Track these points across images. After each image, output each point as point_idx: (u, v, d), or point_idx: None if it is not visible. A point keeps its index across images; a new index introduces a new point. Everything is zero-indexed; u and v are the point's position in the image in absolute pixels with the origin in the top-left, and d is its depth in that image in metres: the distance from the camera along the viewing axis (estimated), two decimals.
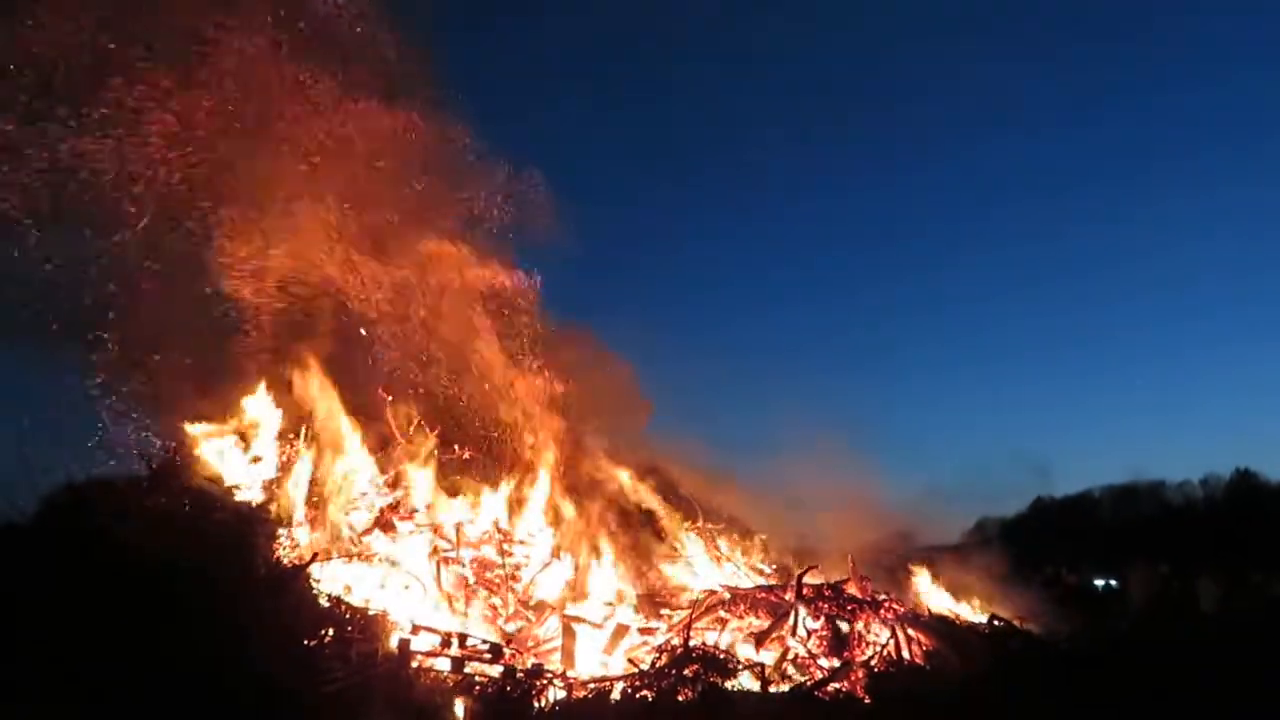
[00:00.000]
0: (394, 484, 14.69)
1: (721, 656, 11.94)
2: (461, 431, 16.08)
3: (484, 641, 11.83)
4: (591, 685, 11.28)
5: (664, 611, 14.17)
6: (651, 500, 17.75)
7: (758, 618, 13.41)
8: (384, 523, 13.93)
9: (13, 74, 12.18)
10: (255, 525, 11.88)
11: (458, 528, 14.10)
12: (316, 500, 13.59)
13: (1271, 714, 10.63)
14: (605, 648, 12.70)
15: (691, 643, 12.44)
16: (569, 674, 11.53)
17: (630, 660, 12.17)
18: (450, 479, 15.39)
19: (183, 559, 9.67)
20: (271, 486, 13.39)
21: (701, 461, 19.88)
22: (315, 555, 12.09)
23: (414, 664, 10.73)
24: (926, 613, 15.57)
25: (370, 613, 11.32)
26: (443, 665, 10.97)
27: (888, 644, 13.10)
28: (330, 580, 12.03)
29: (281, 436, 14.18)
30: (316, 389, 14.35)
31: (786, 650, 12.79)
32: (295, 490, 13.40)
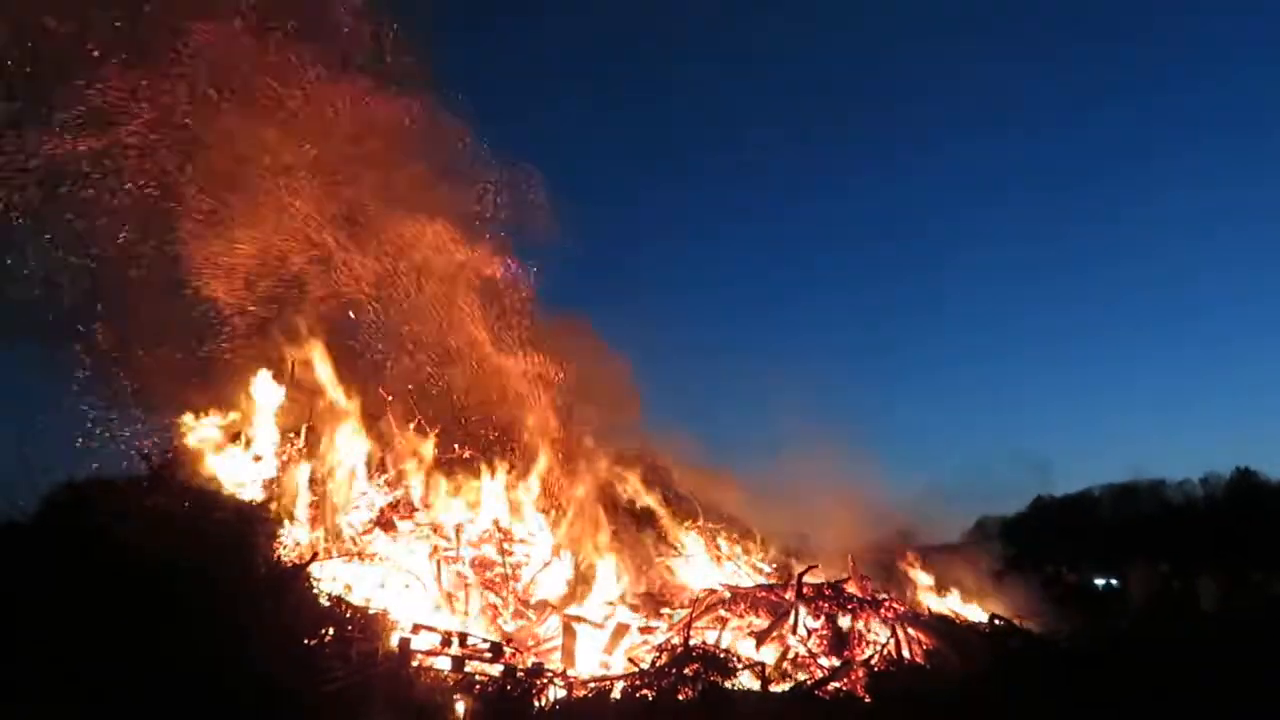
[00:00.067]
0: (394, 483, 14.70)
1: (722, 655, 11.93)
2: (461, 429, 16.07)
3: (484, 640, 11.83)
4: (592, 684, 11.28)
5: (664, 610, 14.16)
6: (651, 499, 17.75)
7: (758, 617, 13.40)
8: (384, 522, 13.93)
9: None
10: (255, 524, 11.87)
11: (457, 529, 14.07)
12: (316, 499, 13.59)
13: (1271, 713, 10.62)
14: (606, 647, 12.69)
15: (692, 642, 12.43)
16: (569, 673, 11.52)
17: (630, 659, 12.17)
18: (451, 476, 15.35)
19: (183, 558, 9.67)
20: (272, 485, 13.39)
21: (700, 460, 19.91)
22: (315, 554, 12.09)
23: (414, 663, 10.73)
24: (926, 612, 15.58)
25: (370, 612, 11.32)
26: (443, 664, 10.97)
27: (888, 643, 13.10)
28: (330, 579, 12.02)
29: (281, 434, 14.19)
30: (316, 358, 14.34)
31: (787, 649, 12.79)
32: (295, 489, 13.40)
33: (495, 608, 13.24)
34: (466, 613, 12.86)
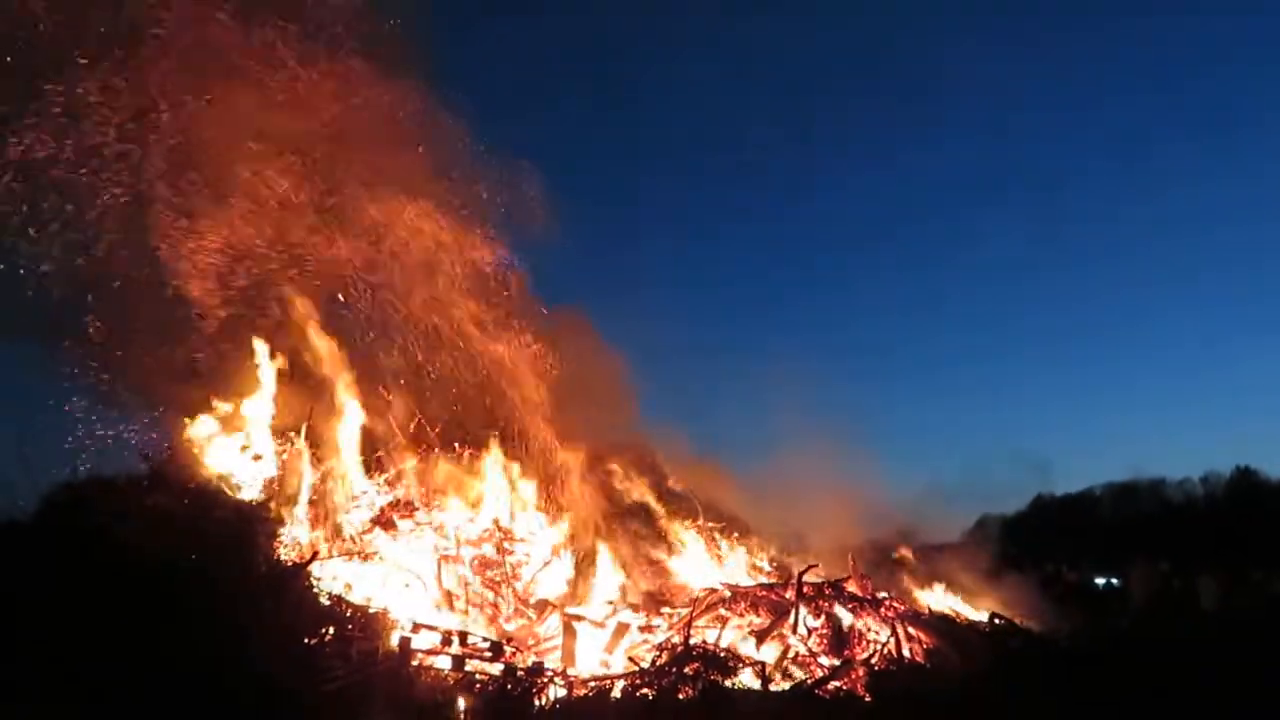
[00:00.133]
0: (394, 482, 14.70)
1: (722, 655, 11.93)
2: (460, 429, 16.05)
3: (484, 639, 11.83)
4: (592, 683, 11.28)
5: (664, 609, 14.16)
6: (650, 497, 17.74)
7: (758, 616, 13.40)
8: (384, 521, 13.93)
9: None
10: (255, 523, 11.87)
11: (457, 531, 14.05)
12: (316, 498, 13.59)
13: (1272, 712, 10.62)
14: (606, 646, 12.69)
15: (692, 641, 12.43)
16: (569, 672, 11.52)
17: (631, 658, 12.17)
18: (451, 474, 15.35)
19: (183, 558, 9.67)
20: (272, 484, 13.39)
21: (699, 458, 19.89)
22: (315, 553, 12.09)
23: (414, 662, 10.73)
24: (927, 611, 15.58)
25: (371, 611, 11.32)
26: (443, 663, 10.97)
27: (888, 642, 13.10)
28: (331, 578, 12.02)
29: (281, 433, 14.19)
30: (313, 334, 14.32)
31: (787, 648, 12.79)
32: (295, 487, 13.40)
33: (496, 607, 13.24)
34: (467, 612, 12.86)
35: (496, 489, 15.32)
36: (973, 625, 15.52)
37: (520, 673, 10.99)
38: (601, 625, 13.07)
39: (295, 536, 12.66)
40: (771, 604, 13.61)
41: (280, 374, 14.27)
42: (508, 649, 11.74)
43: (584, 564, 14.91)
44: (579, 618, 13.04)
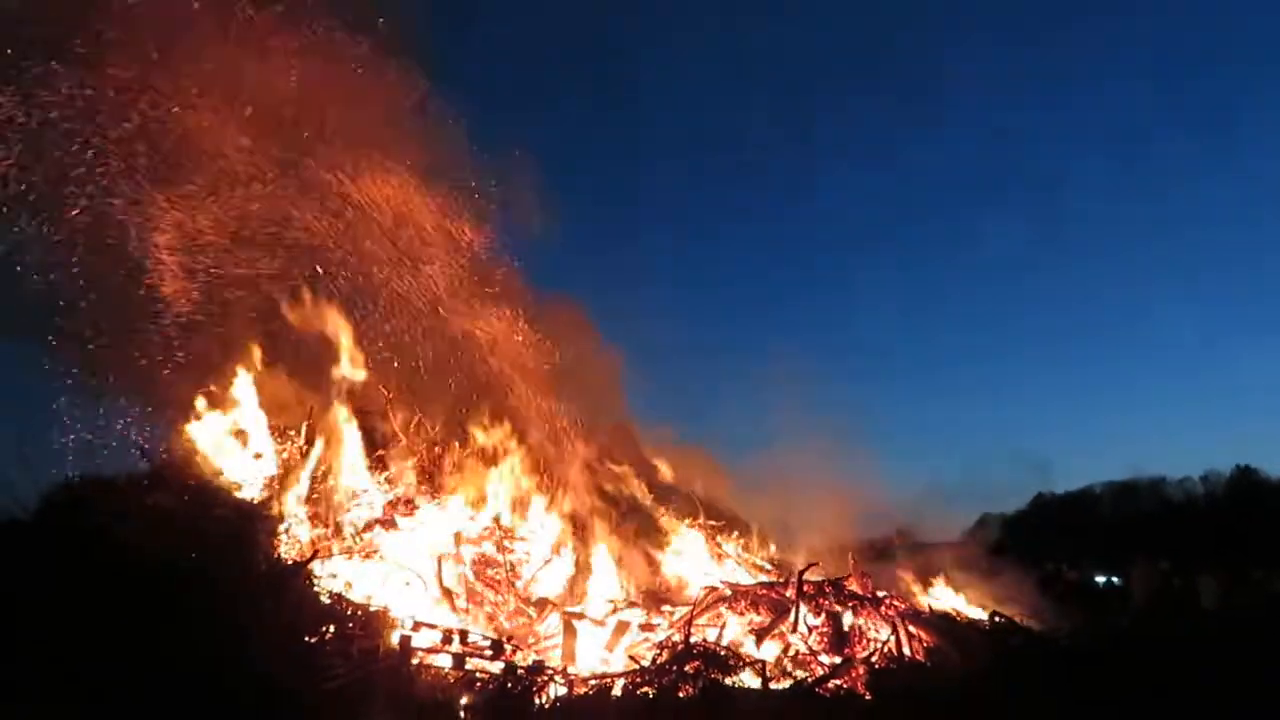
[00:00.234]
0: (395, 480, 14.70)
1: (722, 653, 11.93)
2: (459, 428, 16.05)
3: (485, 638, 11.83)
4: (592, 682, 11.28)
5: (665, 608, 14.16)
6: (650, 495, 17.74)
7: (759, 614, 13.40)
8: (385, 519, 13.93)
9: None
10: (256, 522, 11.87)
11: (456, 536, 14.01)
12: (317, 496, 13.59)
13: (1272, 711, 10.62)
14: (606, 644, 12.70)
15: (692, 639, 12.43)
16: (570, 670, 11.52)
17: (631, 657, 12.17)
18: (450, 472, 15.34)
19: (183, 557, 9.67)
20: (272, 483, 13.39)
21: (685, 448, 19.91)
22: (316, 552, 12.09)
23: (415, 661, 10.73)
24: (927, 609, 15.58)
25: (371, 609, 11.32)
26: (444, 662, 10.97)
27: (888, 640, 13.10)
28: (331, 577, 12.02)
29: (281, 432, 14.19)
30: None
31: (787, 647, 12.79)
32: (296, 485, 13.40)
33: (496, 605, 13.24)
34: (467, 610, 12.86)
35: (497, 486, 15.34)
36: (973, 623, 15.53)
37: (520, 671, 11.00)
38: (602, 623, 13.08)
39: (296, 535, 12.66)
40: (772, 602, 13.61)
41: (276, 369, 14.26)
42: (508, 647, 11.75)
43: (584, 562, 14.90)
44: (579, 616, 13.05)
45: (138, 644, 8.58)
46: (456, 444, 15.79)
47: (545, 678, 10.94)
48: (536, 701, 10.58)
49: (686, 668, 11.23)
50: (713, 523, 17.70)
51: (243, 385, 14.05)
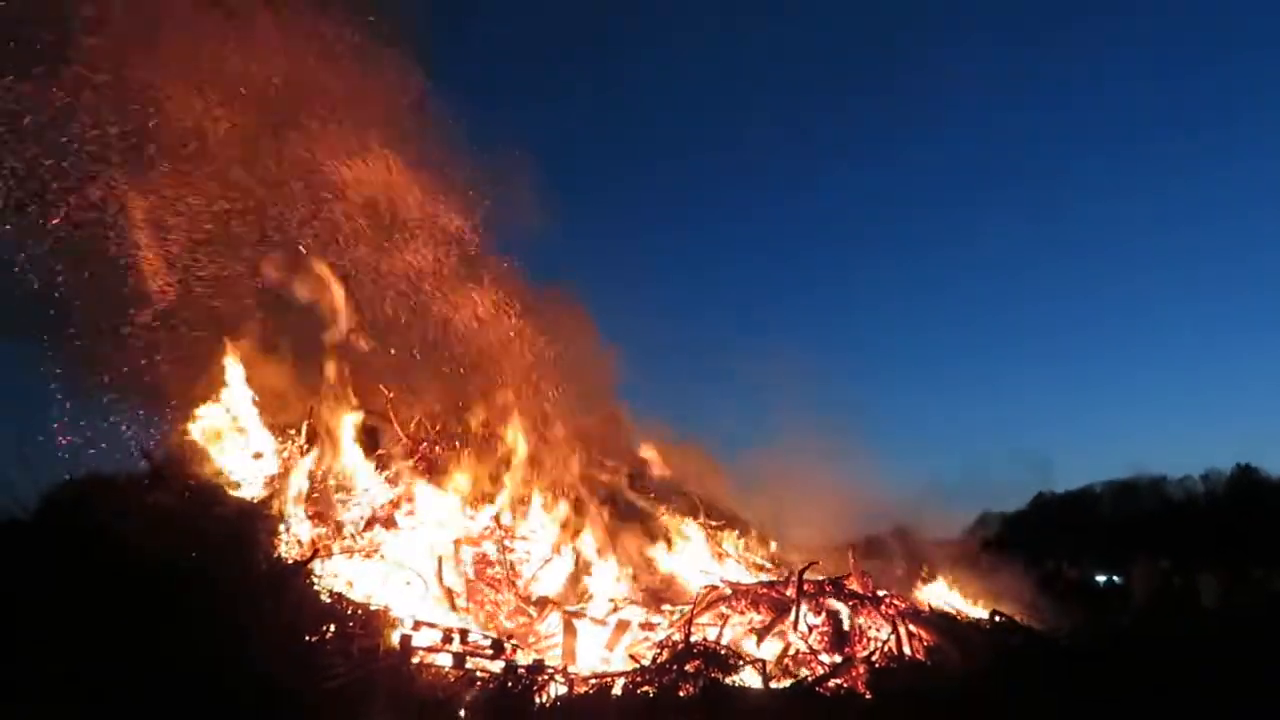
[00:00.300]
0: (395, 479, 14.68)
1: (723, 652, 11.93)
2: (460, 426, 16.02)
3: (485, 637, 11.83)
4: (593, 681, 11.28)
5: (665, 607, 14.16)
6: (648, 495, 17.71)
7: (759, 613, 13.40)
8: (385, 518, 13.92)
9: None
10: (256, 521, 11.86)
11: (456, 544, 14.00)
12: (317, 495, 13.57)
13: (1272, 710, 10.62)
14: (607, 643, 12.69)
15: (693, 638, 12.43)
16: (570, 670, 11.52)
17: (631, 656, 12.17)
18: (450, 472, 15.32)
19: (183, 557, 9.66)
20: (273, 481, 13.37)
21: (695, 455, 19.86)
22: (316, 551, 12.08)
23: (415, 660, 10.73)
24: (927, 608, 15.57)
25: (372, 608, 11.32)
26: (444, 661, 10.97)
27: (889, 640, 13.09)
28: (331, 576, 12.01)
29: (282, 430, 14.17)
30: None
31: (788, 646, 12.79)
32: (296, 484, 13.38)
33: (496, 604, 13.24)
34: (468, 609, 12.86)
35: (496, 485, 15.33)
36: (974, 622, 15.53)
37: (521, 670, 10.99)
38: (602, 623, 13.07)
39: (296, 534, 12.65)
40: (772, 601, 13.61)
41: (276, 355, 14.25)
42: (508, 646, 11.75)
43: (584, 561, 14.89)
44: (579, 615, 13.04)
45: (138, 644, 8.57)
46: (456, 441, 15.78)
47: (545, 677, 10.94)
48: (537, 701, 10.58)
49: (687, 667, 11.23)
50: (712, 521, 17.68)
51: (239, 383, 14.01)
